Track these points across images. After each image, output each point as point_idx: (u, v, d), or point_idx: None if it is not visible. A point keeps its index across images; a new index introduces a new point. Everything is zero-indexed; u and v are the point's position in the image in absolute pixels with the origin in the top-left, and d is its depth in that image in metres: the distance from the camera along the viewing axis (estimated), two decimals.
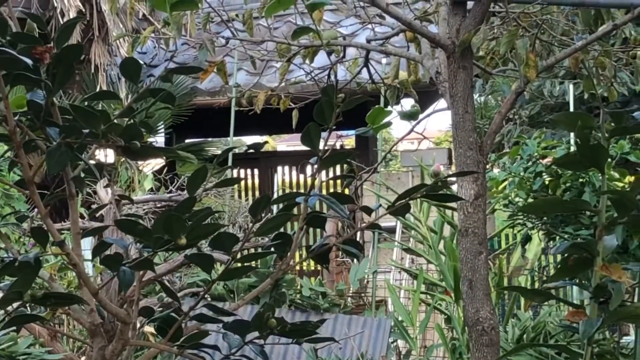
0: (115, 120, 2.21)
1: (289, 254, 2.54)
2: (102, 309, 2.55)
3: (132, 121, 2.27)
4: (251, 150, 2.59)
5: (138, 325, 2.64)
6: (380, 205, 2.84)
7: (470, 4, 3.72)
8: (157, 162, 11.89)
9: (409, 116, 3.83)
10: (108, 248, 2.48)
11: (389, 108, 3.61)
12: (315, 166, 2.55)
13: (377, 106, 2.88)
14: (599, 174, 3.70)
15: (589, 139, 3.29)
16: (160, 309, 2.82)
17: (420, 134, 4.06)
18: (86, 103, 2.26)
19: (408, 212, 2.67)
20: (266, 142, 2.88)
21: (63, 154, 2.19)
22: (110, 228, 3.36)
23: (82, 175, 2.48)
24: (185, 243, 2.26)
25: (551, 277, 4.21)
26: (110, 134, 2.22)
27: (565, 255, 3.50)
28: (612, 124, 3.44)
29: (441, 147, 20.71)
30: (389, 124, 2.87)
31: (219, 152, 8.72)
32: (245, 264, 2.62)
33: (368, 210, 2.70)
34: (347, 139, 17.49)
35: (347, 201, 2.59)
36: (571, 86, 9.41)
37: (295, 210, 2.56)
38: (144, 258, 2.32)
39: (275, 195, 2.62)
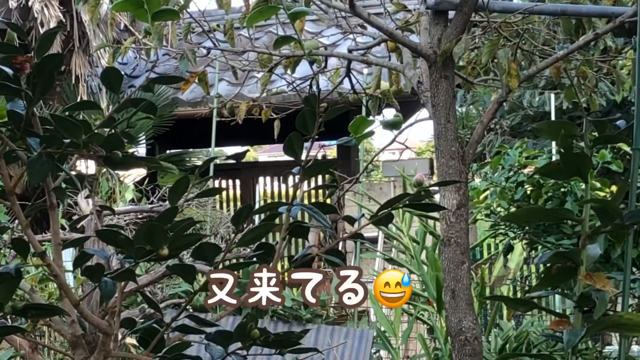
0: (96, 131, 2.20)
1: (271, 264, 2.53)
2: (84, 320, 2.53)
3: (113, 131, 2.26)
4: (232, 160, 2.59)
5: (120, 336, 2.63)
6: (363, 215, 2.83)
7: (451, 14, 3.73)
8: (139, 173, 11.84)
9: (391, 126, 3.82)
10: (89, 259, 2.46)
11: (371, 118, 3.60)
12: (298, 176, 2.54)
13: (359, 116, 2.87)
14: (581, 183, 3.70)
15: (572, 147, 3.29)
16: (142, 320, 2.81)
17: (402, 144, 4.05)
18: (67, 113, 2.24)
19: (390, 222, 2.67)
20: (247, 151, 2.87)
21: (44, 165, 2.18)
22: (92, 239, 3.34)
23: (63, 185, 2.46)
24: (167, 254, 2.25)
25: (534, 287, 4.21)
26: (92, 144, 2.20)
27: (548, 264, 3.50)
28: (595, 133, 3.45)
29: (423, 157, 20.70)
30: (371, 133, 2.87)
31: (201, 162, 8.70)
32: None
33: (350, 220, 2.70)
34: (329, 149, 17.48)
35: (329, 211, 2.58)
36: (552, 96, 9.44)
37: (277, 221, 2.55)
38: (126, 269, 2.31)
39: (257, 206, 2.61)
